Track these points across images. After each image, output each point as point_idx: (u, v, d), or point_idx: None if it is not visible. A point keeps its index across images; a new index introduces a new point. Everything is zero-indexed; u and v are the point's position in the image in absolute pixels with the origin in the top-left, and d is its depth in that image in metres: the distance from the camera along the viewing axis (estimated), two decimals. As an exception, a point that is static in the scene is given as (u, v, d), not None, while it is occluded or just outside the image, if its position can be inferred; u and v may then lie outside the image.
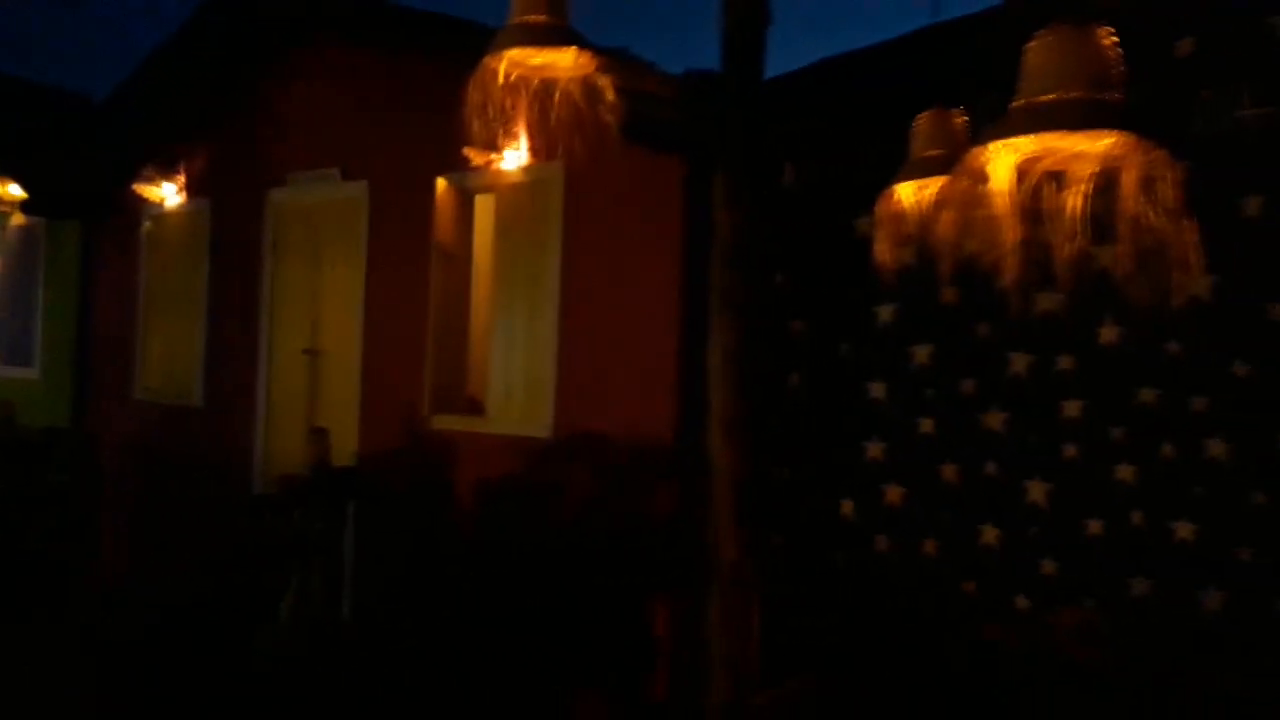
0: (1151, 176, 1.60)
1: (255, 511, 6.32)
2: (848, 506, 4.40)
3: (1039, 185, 1.69)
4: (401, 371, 6.07)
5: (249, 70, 7.25)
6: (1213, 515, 3.45)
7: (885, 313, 4.28)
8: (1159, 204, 1.61)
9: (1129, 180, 1.60)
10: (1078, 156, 1.63)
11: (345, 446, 6.19)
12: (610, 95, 2.34)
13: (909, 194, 2.55)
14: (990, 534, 3.97)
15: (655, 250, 4.92)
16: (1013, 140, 1.63)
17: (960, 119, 2.54)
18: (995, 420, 3.95)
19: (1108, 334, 3.68)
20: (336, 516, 5.81)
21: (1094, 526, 3.71)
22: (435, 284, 5.97)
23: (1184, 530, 3.51)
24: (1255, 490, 3.36)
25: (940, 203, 2.15)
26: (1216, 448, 3.44)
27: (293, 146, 6.88)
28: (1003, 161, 1.67)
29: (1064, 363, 3.78)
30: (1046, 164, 1.66)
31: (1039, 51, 1.65)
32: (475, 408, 6.03)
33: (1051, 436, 3.81)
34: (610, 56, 2.41)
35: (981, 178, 1.68)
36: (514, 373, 5.67)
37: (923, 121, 2.58)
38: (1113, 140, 1.60)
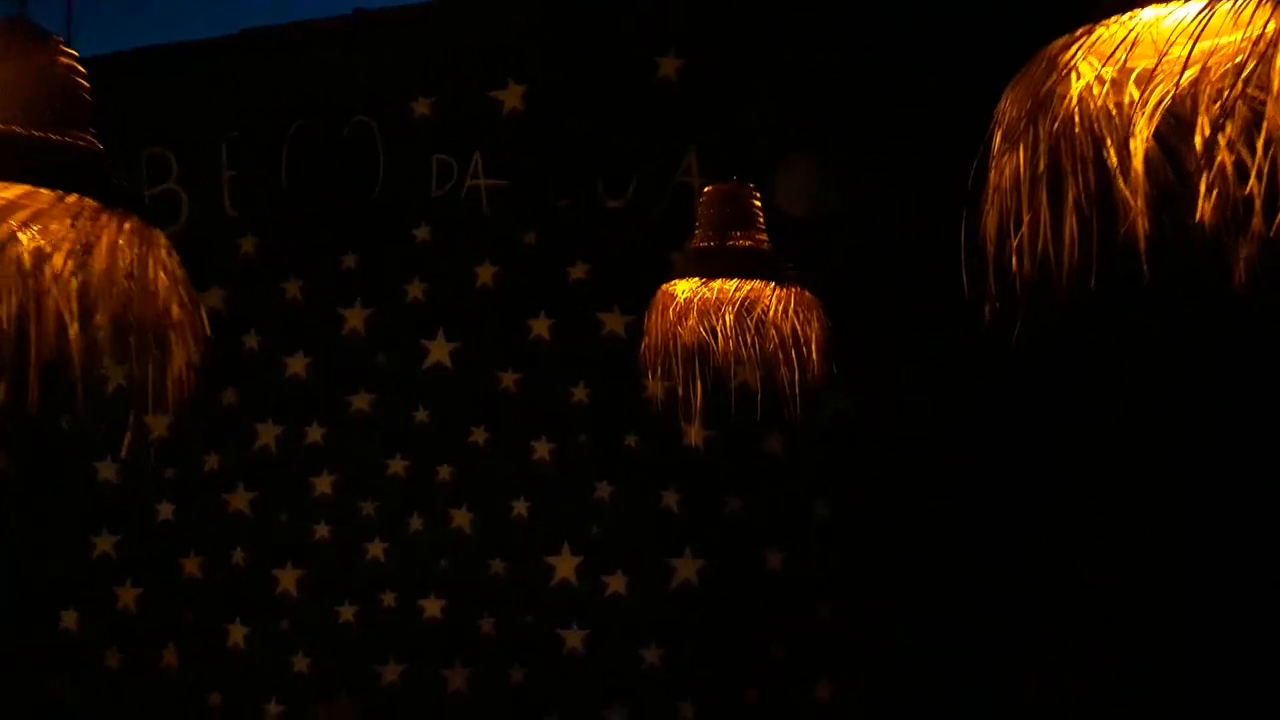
0: (121, 243, 1.24)
1: None
2: (70, 618, 3.56)
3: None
4: None
5: None
6: (458, 588, 3.36)
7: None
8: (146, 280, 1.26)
9: (100, 251, 1.22)
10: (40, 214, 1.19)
11: None
12: None
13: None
14: (238, 633, 3.45)
15: None
16: None
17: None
18: (242, 501, 3.48)
19: (360, 402, 3.44)
20: None
21: (346, 613, 3.40)
22: None
23: (432, 607, 3.36)
24: (494, 558, 3.34)
25: None
26: (461, 517, 3.36)
27: None
28: None
29: (314, 434, 3.45)
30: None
31: None
32: None
33: (303, 516, 3.44)
34: None
35: None
36: None
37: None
38: (24, 191, 1.18)
